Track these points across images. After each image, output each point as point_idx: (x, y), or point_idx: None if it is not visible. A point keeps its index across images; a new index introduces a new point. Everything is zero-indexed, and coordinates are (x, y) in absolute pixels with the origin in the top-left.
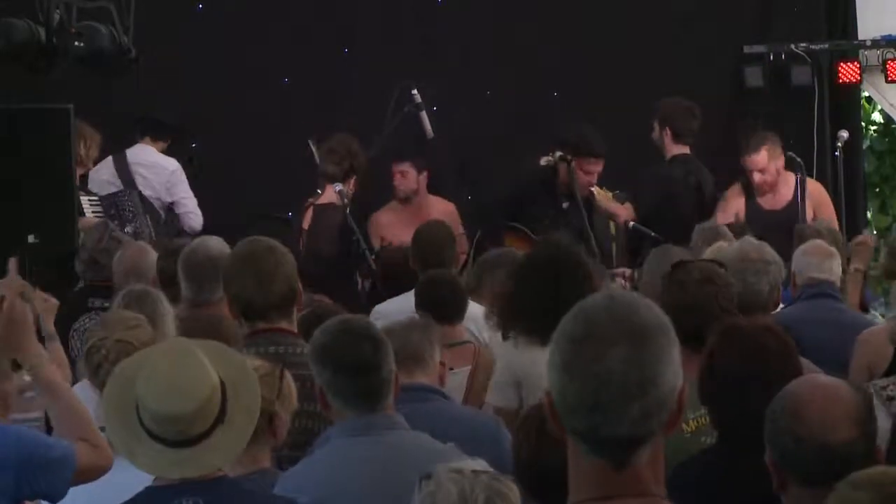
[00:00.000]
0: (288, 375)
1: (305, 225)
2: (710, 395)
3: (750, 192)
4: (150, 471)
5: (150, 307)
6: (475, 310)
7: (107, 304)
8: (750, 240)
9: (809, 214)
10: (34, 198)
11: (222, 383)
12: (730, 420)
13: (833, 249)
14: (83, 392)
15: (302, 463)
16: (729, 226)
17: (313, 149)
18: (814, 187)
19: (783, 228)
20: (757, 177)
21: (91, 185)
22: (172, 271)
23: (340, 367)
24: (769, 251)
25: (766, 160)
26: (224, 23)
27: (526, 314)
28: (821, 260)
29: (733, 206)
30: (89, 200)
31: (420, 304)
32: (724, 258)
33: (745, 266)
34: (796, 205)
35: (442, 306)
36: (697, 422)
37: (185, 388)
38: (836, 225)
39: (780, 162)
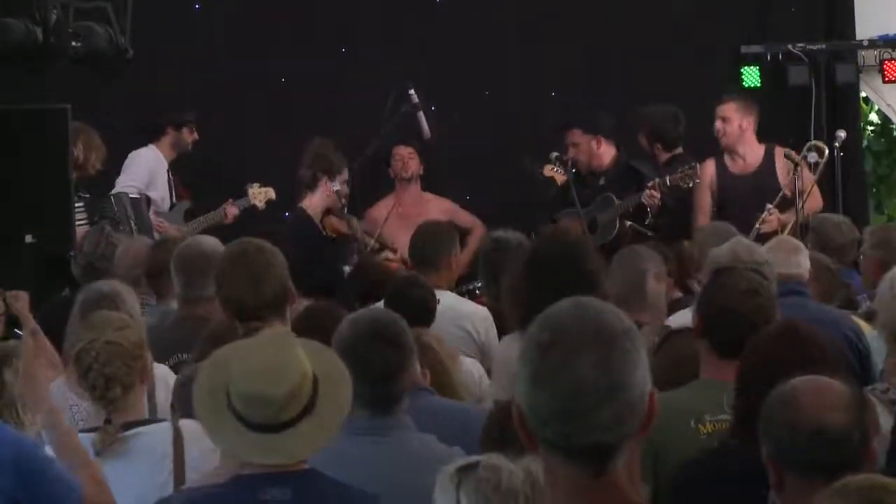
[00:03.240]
0: None
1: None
2: (746, 383)
3: (720, 160)
4: (235, 453)
5: (111, 310)
6: (471, 308)
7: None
8: (741, 240)
9: (783, 180)
10: (32, 198)
11: (315, 377)
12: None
13: (799, 243)
14: (55, 394)
15: None
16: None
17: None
18: (783, 154)
19: (753, 192)
20: (718, 123)
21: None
22: (161, 263)
23: (360, 373)
24: (759, 251)
25: (731, 110)
26: (222, 23)
27: (536, 310)
28: (787, 255)
29: (707, 175)
30: (80, 207)
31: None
32: (715, 257)
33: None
34: (766, 169)
35: (408, 313)
36: (714, 426)
37: (278, 371)
38: (818, 200)
39: (747, 123)
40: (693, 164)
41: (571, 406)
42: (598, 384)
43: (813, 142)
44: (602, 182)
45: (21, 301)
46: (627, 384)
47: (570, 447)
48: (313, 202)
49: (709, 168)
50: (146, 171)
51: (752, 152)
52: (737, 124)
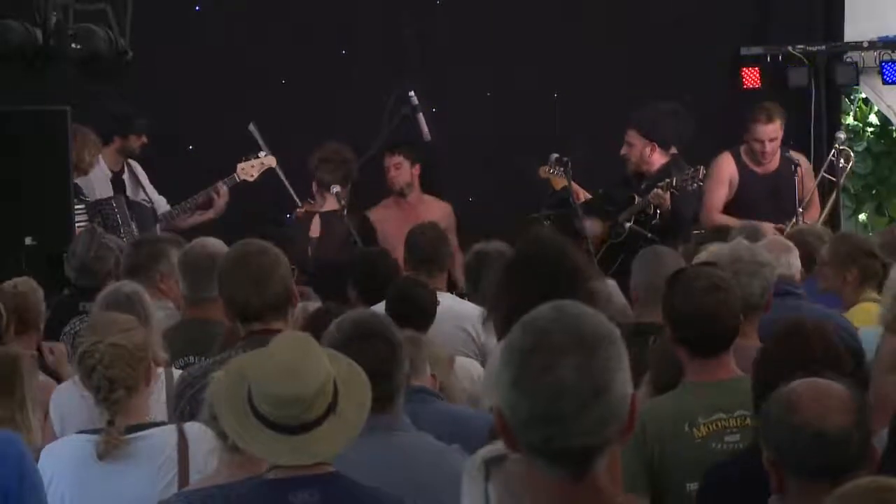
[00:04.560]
0: None
1: (315, 233)
2: (758, 385)
3: (739, 158)
4: (265, 457)
5: (133, 311)
6: (471, 310)
7: None
8: (742, 241)
9: (798, 183)
10: (31, 199)
11: (334, 377)
12: None
13: (789, 244)
14: (69, 392)
15: None
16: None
17: (255, 134)
18: (799, 156)
19: (772, 193)
20: (768, 146)
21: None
22: (139, 261)
23: None
24: (761, 252)
25: (778, 129)
26: (221, 24)
27: (517, 314)
28: (777, 256)
29: (725, 170)
30: (80, 209)
31: (389, 311)
32: (716, 260)
33: (738, 268)
34: (785, 168)
35: (411, 315)
36: (708, 427)
37: (303, 372)
38: (816, 209)
39: (783, 128)
40: (698, 166)
41: (554, 410)
42: (581, 388)
43: (841, 147)
44: (643, 186)
45: (57, 354)
46: (610, 388)
47: (553, 451)
48: (327, 206)
49: (726, 163)
50: (84, 180)
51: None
52: (780, 137)
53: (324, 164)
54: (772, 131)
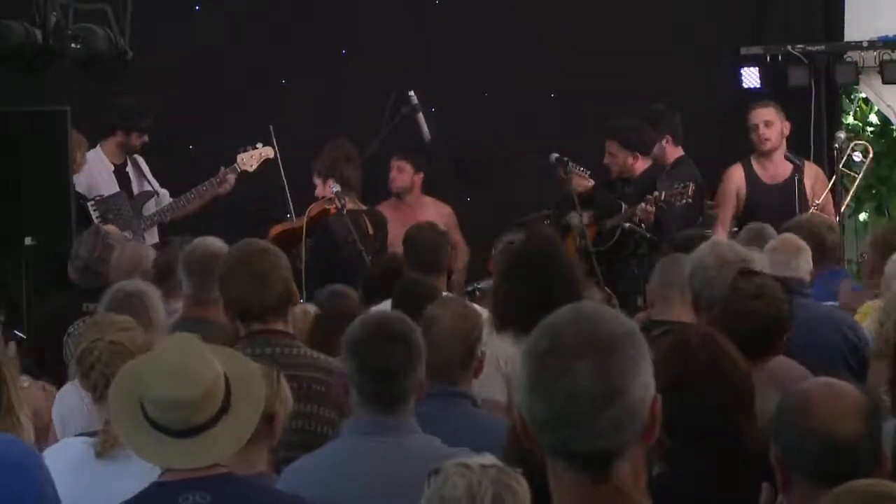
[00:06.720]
0: (283, 377)
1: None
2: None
3: (749, 167)
4: (156, 462)
5: (136, 311)
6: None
7: None
8: (718, 241)
9: (808, 192)
10: (32, 200)
11: (226, 377)
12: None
13: (802, 244)
14: (70, 395)
15: (306, 457)
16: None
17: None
18: (811, 167)
19: (782, 201)
20: (762, 129)
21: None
22: (168, 264)
23: (365, 368)
24: (741, 250)
25: (773, 114)
26: (222, 23)
27: (518, 312)
28: (787, 258)
29: (732, 183)
30: (92, 206)
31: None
32: (699, 261)
33: (724, 266)
34: (794, 180)
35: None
36: None
37: (190, 374)
38: (831, 206)
39: (786, 128)
40: (687, 182)
41: (568, 413)
42: (595, 391)
43: (859, 141)
44: (627, 189)
45: None
46: (626, 390)
47: (570, 453)
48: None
49: (735, 175)
50: (84, 174)
51: (783, 161)
52: (779, 128)
53: (353, 162)
54: (765, 114)
